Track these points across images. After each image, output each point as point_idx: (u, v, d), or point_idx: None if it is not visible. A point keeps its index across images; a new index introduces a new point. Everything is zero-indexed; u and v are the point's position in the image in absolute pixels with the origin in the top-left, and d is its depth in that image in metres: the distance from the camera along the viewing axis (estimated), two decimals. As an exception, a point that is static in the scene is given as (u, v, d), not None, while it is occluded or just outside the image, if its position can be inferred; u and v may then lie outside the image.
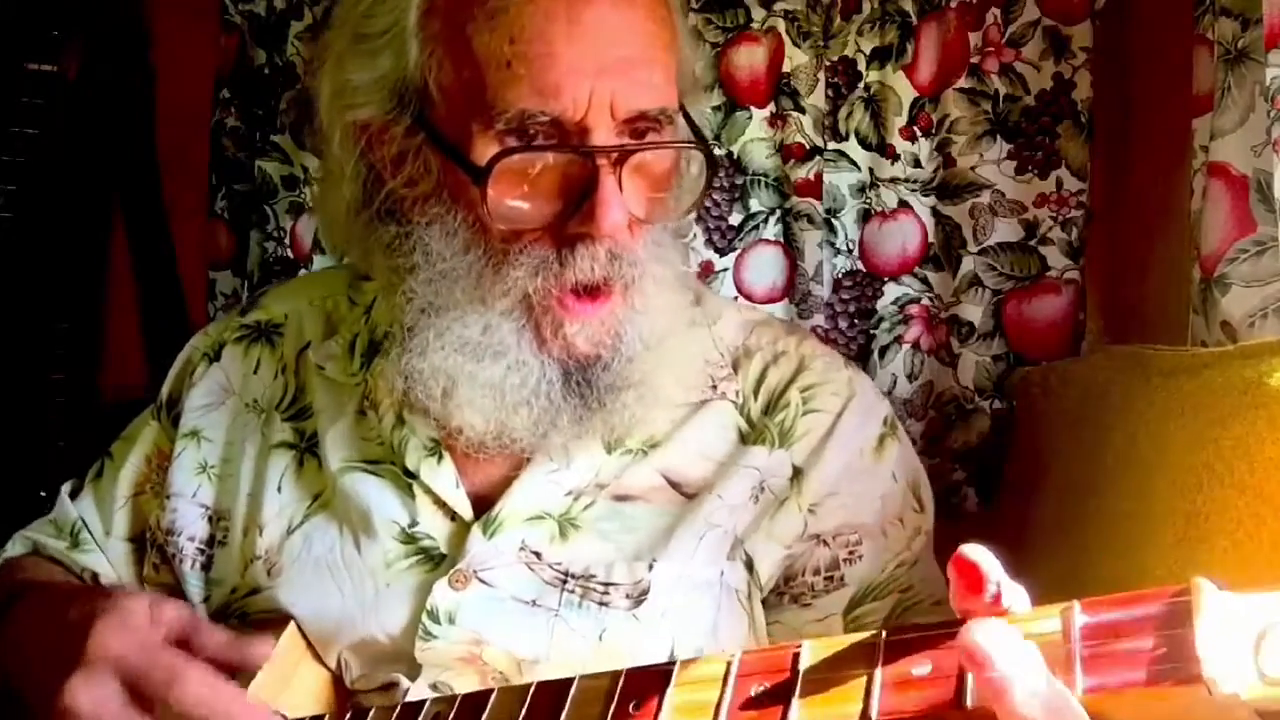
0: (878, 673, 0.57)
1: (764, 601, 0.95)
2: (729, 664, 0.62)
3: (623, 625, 0.90)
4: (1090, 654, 0.51)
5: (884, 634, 0.58)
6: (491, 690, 0.71)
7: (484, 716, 0.70)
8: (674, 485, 0.96)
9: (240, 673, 0.87)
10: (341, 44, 0.92)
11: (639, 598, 0.91)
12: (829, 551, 0.94)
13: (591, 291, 0.87)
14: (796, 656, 0.60)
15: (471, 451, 0.92)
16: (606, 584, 0.91)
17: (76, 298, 1.74)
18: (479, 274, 0.88)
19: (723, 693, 0.60)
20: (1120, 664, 0.51)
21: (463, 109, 0.86)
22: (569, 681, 0.68)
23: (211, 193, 1.73)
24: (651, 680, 0.64)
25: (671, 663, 0.64)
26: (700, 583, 0.93)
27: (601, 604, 0.91)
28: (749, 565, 0.94)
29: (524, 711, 0.68)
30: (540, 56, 0.83)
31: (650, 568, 0.92)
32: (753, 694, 0.59)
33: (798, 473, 0.96)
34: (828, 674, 0.58)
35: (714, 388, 0.98)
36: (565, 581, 0.92)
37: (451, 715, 0.72)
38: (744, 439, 0.98)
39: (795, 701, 0.58)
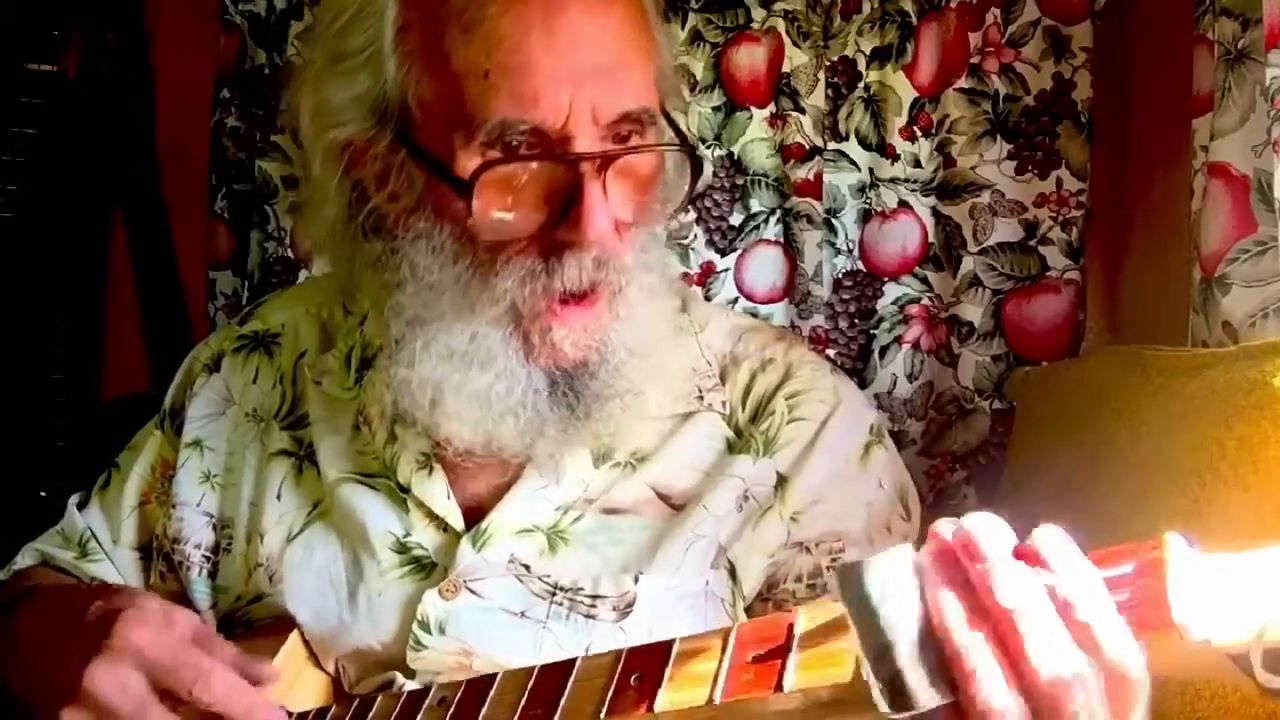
0: None
1: (748, 609, 0.96)
2: (727, 635, 0.64)
3: (609, 637, 0.90)
4: None
5: None
6: (496, 674, 0.72)
7: (490, 696, 0.70)
8: (662, 497, 0.97)
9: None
10: (319, 64, 0.91)
11: (625, 610, 0.92)
12: (811, 559, 0.94)
13: (578, 297, 0.87)
14: (791, 626, 0.62)
15: (461, 460, 0.93)
16: (593, 596, 0.92)
17: (76, 298, 1.73)
18: (466, 284, 0.88)
19: (721, 661, 0.62)
20: None
21: (444, 123, 0.85)
22: (572, 661, 0.69)
23: (211, 193, 1.73)
24: (652, 655, 0.66)
25: (672, 639, 0.65)
26: (686, 593, 0.93)
27: (588, 616, 0.92)
28: (732, 573, 0.94)
29: (529, 690, 0.69)
30: (518, 67, 0.82)
31: (636, 580, 0.92)
32: (750, 660, 0.61)
33: (782, 481, 0.96)
34: (822, 639, 0.60)
35: (701, 398, 0.99)
36: (553, 594, 0.92)
37: (457, 698, 0.72)
38: (731, 448, 0.98)
39: (790, 665, 0.60)
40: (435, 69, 0.85)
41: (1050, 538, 0.57)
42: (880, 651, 0.54)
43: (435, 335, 0.89)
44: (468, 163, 0.84)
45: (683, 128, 0.93)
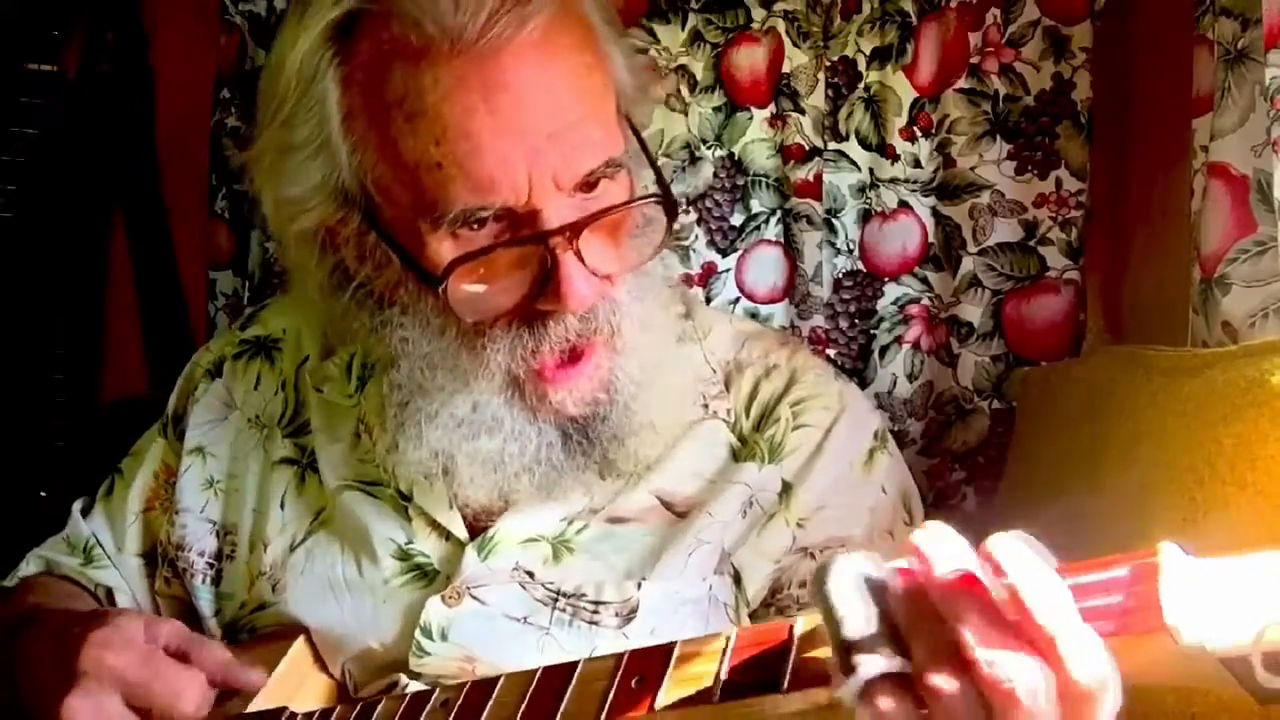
0: None
1: (752, 615, 0.95)
2: (727, 639, 0.64)
3: (612, 643, 0.90)
4: None
5: None
6: (499, 676, 0.72)
7: (492, 699, 0.70)
8: (666, 505, 0.96)
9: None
10: (269, 157, 0.88)
11: (628, 616, 0.92)
12: (814, 564, 0.94)
13: (572, 354, 0.86)
14: (792, 629, 0.62)
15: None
16: (596, 603, 0.92)
17: (76, 298, 1.73)
18: (456, 356, 0.87)
19: (721, 663, 0.62)
20: (1093, 619, 0.54)
21: (407, 209, 0.83)
22: (574, 664, 0.69)
23: (211, 193, 1.73)
24: (653, 657, 0.66)
25: (672, 641, 0.65)
26: (688, 599, 0.93)
27: (591, 623, 0.92)
28: (736, 579, 0.94)
29: (530, 692, 0.69)
30: (468, 154, 0.80)
31: (639, 586, 0.92)
32: (750, 661, 0.62)
33: (787, 488, 0.96)
34: (821, 644, 0.60)
35: (705, 406, 0.98)
36: (556, 600, 0.92)
37: (460, 700, 0.72)
38: (735, 455, 0.98)
39: (789, 668, 0.60)
40: (388, 158, 0.83)
41: (1007, 544, 0.56)
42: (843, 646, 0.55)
43: (438, 409, 0.88)
44: (437, 247, 0.82)
45: (647, 137, 0.91)
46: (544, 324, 0.84)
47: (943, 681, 0.54)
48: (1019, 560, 0.55)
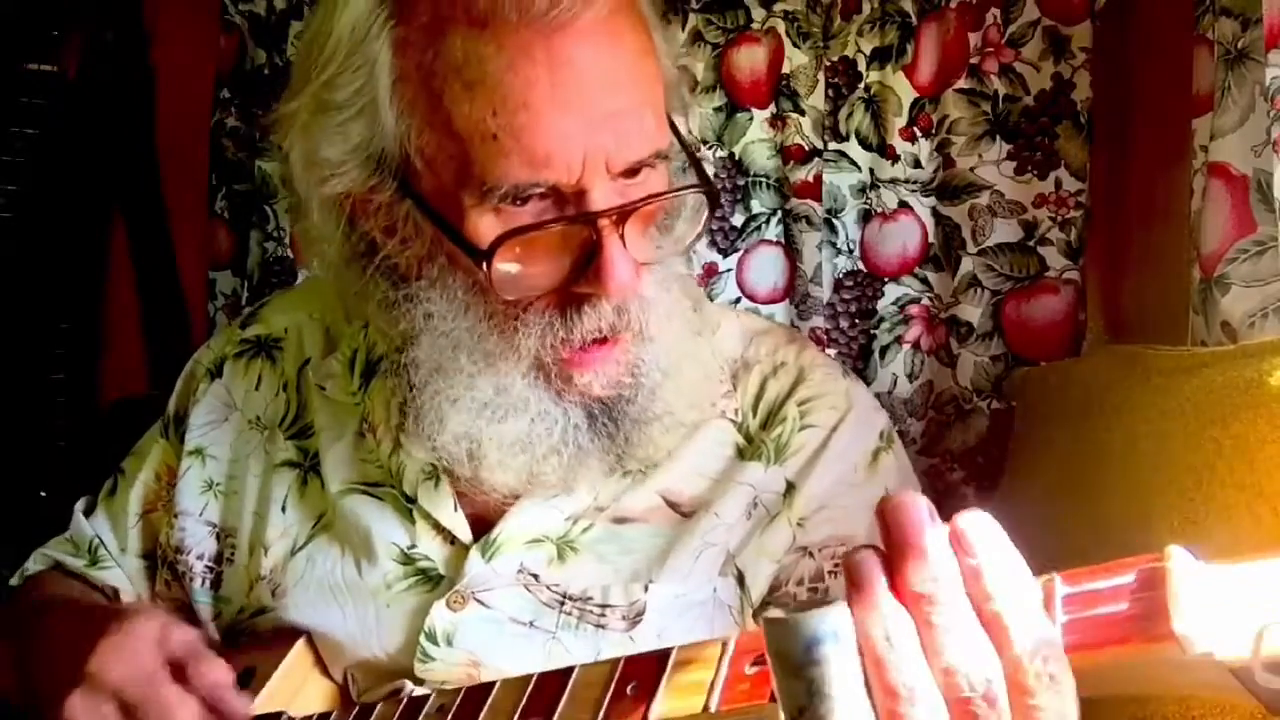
0: None
1: (754, 615, 0.95)
2: (724, 645, 0.63)
3: (618, 647, 0.89)
4: (1071, 620, 0.53)
5: None
6: (495, 682, 0.72)
7: (487, 705, 0.70)
8: (672, 505, 0.95)
9: (251, 676, 0.88)
10: (306, 114, 0.86)
11: (634, 619, 0.91)
12: (814, 563, 0.93)
13: (599, 340, 0.85)
14: None
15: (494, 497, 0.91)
16: (603, 606, 0.91)
17: (76, 298, 1.74)
18: (482, 337, 0.85)
19: (718, 671, 0.62)
20: (1099, 627, 0.53)
21: (451, 180, 0.81)
22: (569, 670, 0.69)
23: (211, 193, 1.74)
24: (649, 664, 0.65)
25: (669, 648, 0.65)
26: (694, 601, 0.92)
27: (598, 626, 0.91)
28: (740, 580, 0.94)
29: (525, 699, 0.68)
30: (526, 127, 0.78)
31: (646, 589, 0.91)
32: (746, 671, 0.61)
33: (790, 487, 0.95)
34: None
35: (713, 405, 0.97)
36: (562, 603, 0.91)
37: (455, 706, 0.72)
38: (741, 455, 0.97)
39: None
40: (437, 125, 0.81)
41: (975, 522, 0.55)
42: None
43: (461, 391, 0.86)
44: (479, 222, 0.81)
45: (685, 134, 0.91)
46: (579, 312, 0.83)
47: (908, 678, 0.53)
48: (987, 542, 0.54)
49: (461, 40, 0.79)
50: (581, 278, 0.82)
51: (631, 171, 0.83)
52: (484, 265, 0.80)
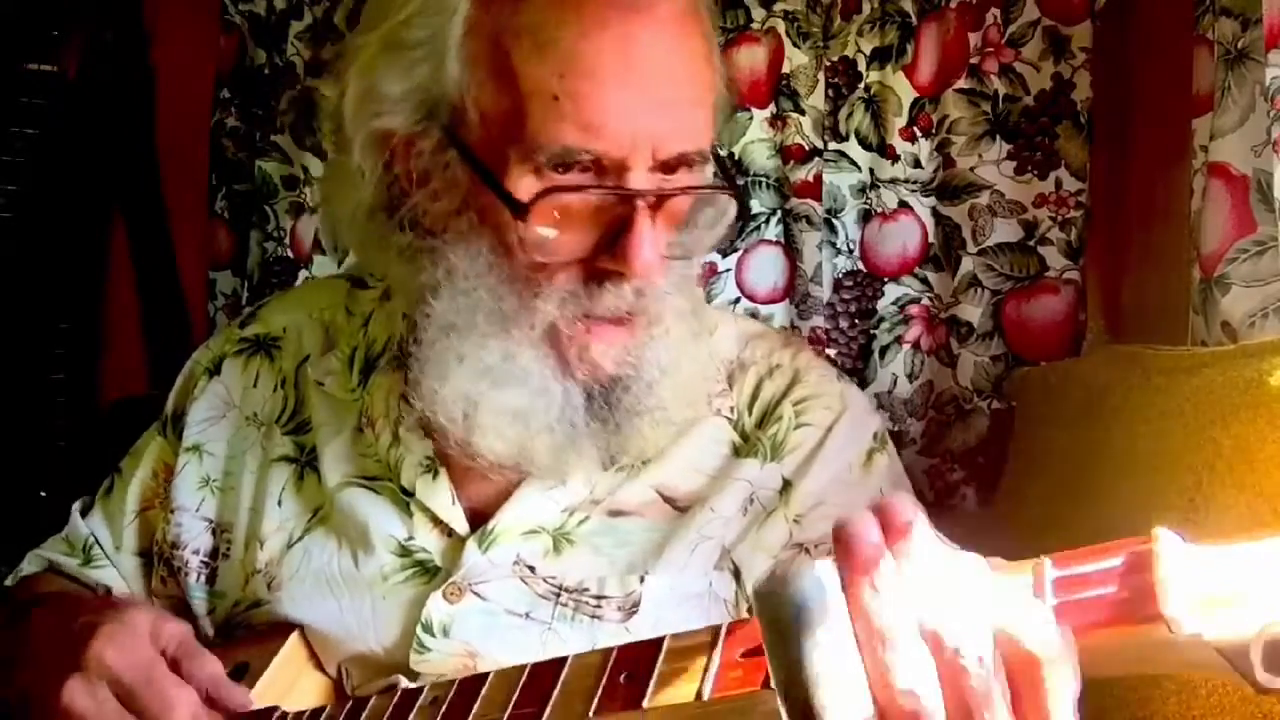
0: None
1: (750, 610, 0.96)
2: (716, 633, 0.63)
3: (614, 638, 0.89)
4: (1061, 603, 0.54)
5: None
6: (488, 673, 0.72)
7: (481, 695, 0.70)
8: (667, 499, 0.96)
9: (244, 672, 0.89)
10: (373, 49, 0.88)
11: (630, 610, 0.91)
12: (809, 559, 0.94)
13: (615, 319, 0.86)
14: None
15: (468, 463, 0.91)
16: (599, 597, 0.92)
17: (76, 298, 1.74)
18: (501, 299, 0.86)
19: (710, 659, 0.62)
20: (1088, 609, 0.53)
21: (501, 135, 0.83)
22: (563, 660, 0.69)
23: (211, 193, 1.74)
24: (642, 653, 0.65)
25: (661, 636, 0.65)
26: (690, 594, 0.93)
27: (594, 617, 0.91)
28: (736, 575, 0.94)
29: (519, 689, 0.69)
30: (589, 95, 0.81)
31: (642, 580, 0.92)
32: (739, 657, 0.61)
33: (786, 484, 0.96)
34: None
35: (708, 403, 0.98)
36: (558, 595, 0.92)
37: (449, 697, 0.72)
38: (737, 452, 0.98)
39: None
40: (500, 80, 0.83)
41: (901, 505, 0.57)
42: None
43: (469, 350, 0.87)
44: (521, 178, 0.83)
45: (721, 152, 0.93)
46: (600, 285, 0.85)
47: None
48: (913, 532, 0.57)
49: (543, 2, 0.82)
50: (608, 253, 0.84)
51: (670, 168, 0.85)
52: (521, 220, 0.82)
